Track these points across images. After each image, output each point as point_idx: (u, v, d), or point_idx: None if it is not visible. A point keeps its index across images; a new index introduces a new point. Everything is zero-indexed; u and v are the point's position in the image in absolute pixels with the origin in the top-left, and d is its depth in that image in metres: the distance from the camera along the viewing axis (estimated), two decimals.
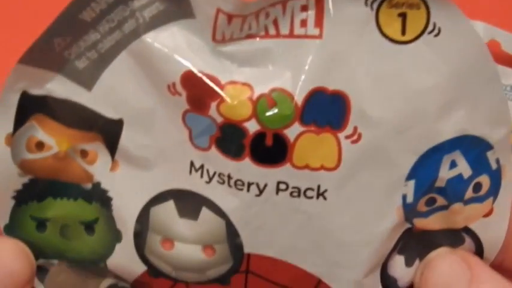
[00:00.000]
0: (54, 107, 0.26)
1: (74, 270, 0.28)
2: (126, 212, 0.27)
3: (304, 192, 0.25)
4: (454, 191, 0.26)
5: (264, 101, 0.24)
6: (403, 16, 0.25)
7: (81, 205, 0.28)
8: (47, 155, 0.27)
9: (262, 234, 0.26)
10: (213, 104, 0.25)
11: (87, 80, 0.26)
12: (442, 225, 0.27)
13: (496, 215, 0.26)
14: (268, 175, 0.25)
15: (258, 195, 0.25)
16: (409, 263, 0.27)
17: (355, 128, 0.25)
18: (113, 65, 0.25)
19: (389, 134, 0.25)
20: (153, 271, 0.27)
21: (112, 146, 0.27)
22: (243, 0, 0.25)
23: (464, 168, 0.25)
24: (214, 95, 0.24)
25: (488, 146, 0.26)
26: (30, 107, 0.26)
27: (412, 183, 0.25)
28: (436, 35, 0.24)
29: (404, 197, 0.25)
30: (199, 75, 0.25)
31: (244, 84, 0.25)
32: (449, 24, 0.24)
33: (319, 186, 0.25)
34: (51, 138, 0.26)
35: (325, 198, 0.25)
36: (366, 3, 0.24)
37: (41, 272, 0.28)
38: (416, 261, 0.27)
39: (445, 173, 0.25)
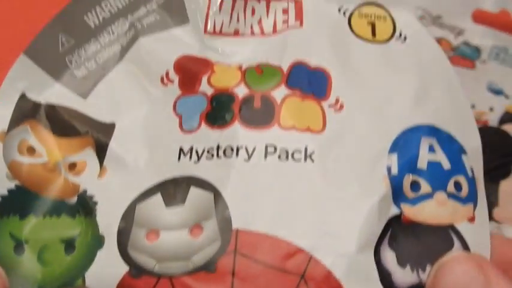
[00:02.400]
0: (49, 114, 0.27)
1: None
2: (111, 214, 0.26)
3: (292, 154, 0.25)
4: (436, 176, 0.26)
5: (252, 69, 0.27)
6: (372, 25, 0.28)
7: (64, 221, 0.27)
8: (37, 161, 0.27)
9: (250, 203, 0.25)
10: (204, 78, 0.27)
11: (83, 90, 0.28)
12: (430, 217, 0.26)
13: (479, 224, 0.27)
14: (257, 138, 0.26)
15: (246, 160, 0.25)
16: (401, 262, 0.26)
17: (337, 99, 0.26)
18: (109, 76, 0.28)
19: (370, 110, 0.26)
20: (135, 270, 0.25)
21: (102, 149, 0.27)
22: None
23: (442, 157, 0.26)
24: (205, 68, 0.27)
25: (462, 149, 0.27)
26: (26, 111, 0.27)
27: (395, 155, 0.26)
28: (403, 41, 0.28)
29: (389, 168, 0.26)
30: (192, 56, 0.27)
31: (232, 62, 0.27)
32: (412, 33, 0.28)
33: (306, 148, 0.25)
34: (42, 147, 0.27)
35: (312, 161, 0.25)
36: (339, 11, 0.28)
37: None
38: (408, 266, 0.26)
39: (425, 154, 0.26)
